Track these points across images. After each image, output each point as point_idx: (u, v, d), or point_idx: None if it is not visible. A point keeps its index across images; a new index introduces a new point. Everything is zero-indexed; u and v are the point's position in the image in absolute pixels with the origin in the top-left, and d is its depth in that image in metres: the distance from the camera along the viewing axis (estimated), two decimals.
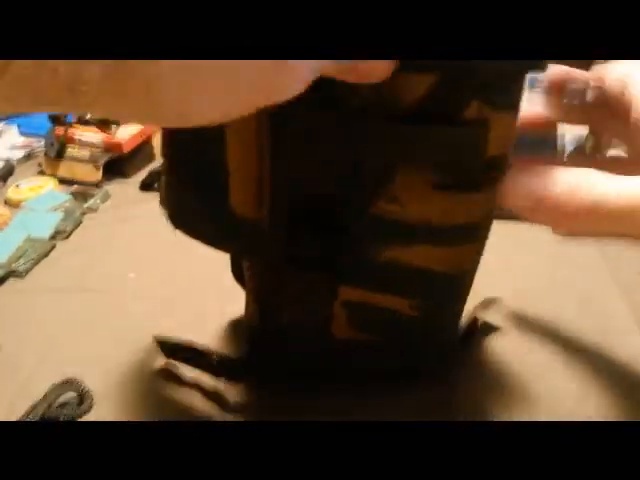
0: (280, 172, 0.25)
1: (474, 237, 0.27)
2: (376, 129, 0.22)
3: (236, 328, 0.39)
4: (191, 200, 0.28)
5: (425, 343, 0.32)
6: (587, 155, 0.28)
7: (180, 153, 0.28)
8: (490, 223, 0.28)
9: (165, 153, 0.29)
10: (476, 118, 0.22)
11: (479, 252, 0.29)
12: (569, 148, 0.50)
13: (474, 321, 0.37)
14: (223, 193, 0.27)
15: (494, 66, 0.22)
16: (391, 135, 0.23)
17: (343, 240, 0.26)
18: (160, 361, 0.35)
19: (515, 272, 0.44)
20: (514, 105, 0.24)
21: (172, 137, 0.28)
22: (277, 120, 0.24)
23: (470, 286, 0.31)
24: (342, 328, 0.31)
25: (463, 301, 0.32)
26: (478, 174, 0.24)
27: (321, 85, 0.21)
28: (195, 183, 0.28)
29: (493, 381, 0.34)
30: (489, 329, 0.38)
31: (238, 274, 0.35)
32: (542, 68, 0.23)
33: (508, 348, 0.37)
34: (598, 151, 0.28)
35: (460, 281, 0.29)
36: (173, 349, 0.35)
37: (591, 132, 0.28)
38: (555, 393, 0.33)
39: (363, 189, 0.23)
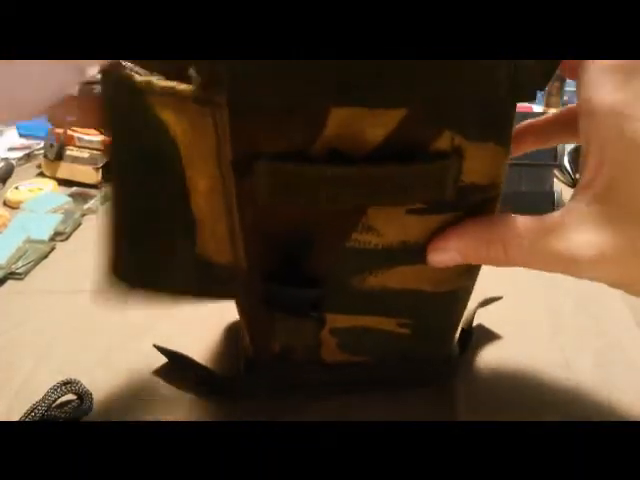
0: (250, 221, 0.25)
1: None
2: (342, 174, 0.22)
3: (235, 331, 0.39)
4: (157, 257, 0.26)
5: (421, 358, 0.32)
6: None
7: (133, 216, 0.26)
8: None
9: (115, 221, 0.27)
10: (449, 149, 0.22)
11: (471, 271, 0.28)
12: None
13: (470, 324, 0.37)
14: (191, 242, 0.25)
15: (467, 97, 0.21)
16: (357, 178, 0.22)
17: (324, 277, 0.26)
18: (160, 361, 0.35)
19: (515, 272, 0.44)
20: (497, 135, 0.22)
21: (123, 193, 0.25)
22: (241, 171, 0.23)
23: (466, 301, 0.30)
24: (333, 353, 0.31)
25: (458, 316, 0.31)
26: (454, 200, 0.23)
27: (283, 135, 0.21)
28: (158, 238, 0.26)
29: (492, 381, 0.34)
30: (486, 332, 0.38)
31: None
32: (528, 99, 0.21)
33: (507, 348, 0.37)
34: None
35: (451, 298, 0.29)
36: (172, 358, 0.35)
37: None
38: (554, 393, 0.33)
39: (336, 226, 0.23)
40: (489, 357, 0.36)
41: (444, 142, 0.22)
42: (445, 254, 0.25)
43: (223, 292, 0.28)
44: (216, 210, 0.24)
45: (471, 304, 0.36)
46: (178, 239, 0.26)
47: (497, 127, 0.22)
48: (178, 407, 0.33)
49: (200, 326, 0.39)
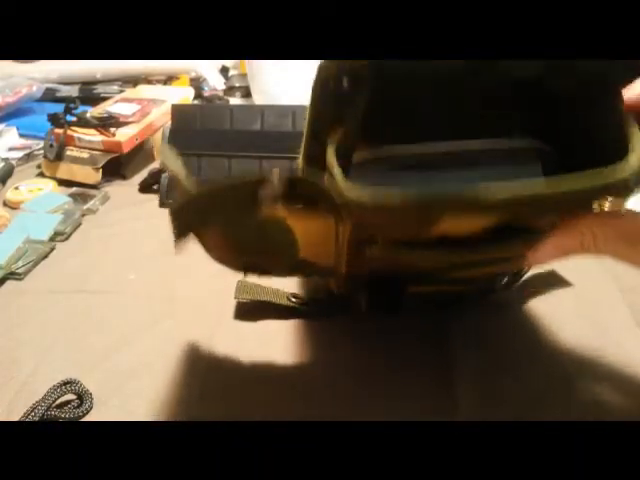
0: (357, 265, 0.29)
1: None
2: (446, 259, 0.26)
3: (234, 328, 0.39)
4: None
5: None
6: None
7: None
8: None
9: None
10: (546, 226, 0.24)
11: None
12: None
13: None
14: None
15: None
16: (458, 262, 0.27)
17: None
18: (160, 361, 0.35)
19: None
20: None
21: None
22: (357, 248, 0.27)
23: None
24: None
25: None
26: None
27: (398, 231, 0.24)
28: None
29: (492, 382, 0.34)
30: (487, 332, 0.38)
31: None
32: None
33: (507, 349, 0.37)
34: None
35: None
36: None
37: None
38: (554, 392, 0.33)
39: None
40: (489, 358, 0.36)
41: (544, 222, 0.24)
42: None
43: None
44: (323, 252, 0.28)
45: None
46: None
47: None
48: (178, 407, 0.33)
49: (202, 324, 0.39)
